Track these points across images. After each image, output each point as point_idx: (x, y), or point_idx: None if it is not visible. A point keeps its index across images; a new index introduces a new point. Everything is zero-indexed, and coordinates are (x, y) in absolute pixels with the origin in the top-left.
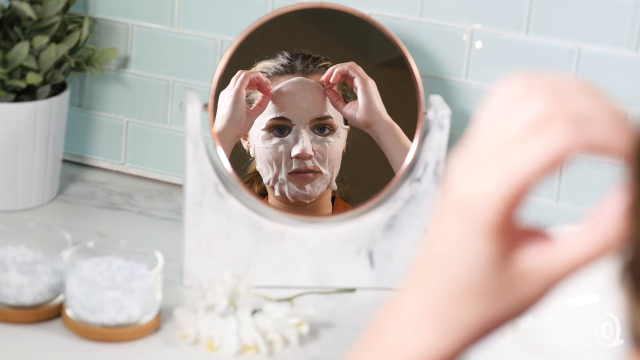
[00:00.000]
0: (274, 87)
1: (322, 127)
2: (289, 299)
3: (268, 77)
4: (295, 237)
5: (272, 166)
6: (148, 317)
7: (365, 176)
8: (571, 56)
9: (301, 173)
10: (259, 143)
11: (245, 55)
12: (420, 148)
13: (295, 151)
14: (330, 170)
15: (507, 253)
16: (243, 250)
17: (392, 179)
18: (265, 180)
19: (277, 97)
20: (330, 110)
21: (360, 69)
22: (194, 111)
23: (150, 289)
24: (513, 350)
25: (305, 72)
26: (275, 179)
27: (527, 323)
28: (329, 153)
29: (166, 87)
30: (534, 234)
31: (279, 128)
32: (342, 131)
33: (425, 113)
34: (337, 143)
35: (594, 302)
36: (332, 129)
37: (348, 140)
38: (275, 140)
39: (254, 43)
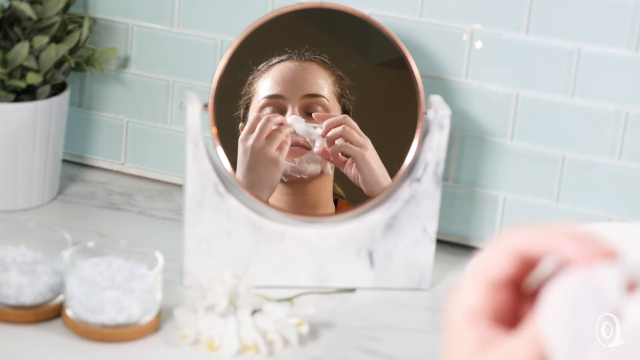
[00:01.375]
0: (271, 71)
1: (315, 109)
2: (289, 299)
3: (269, 67)
4: (295, 237)
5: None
6: (148, 317)
7: None
8: (571, 56)
9: (292, 146)
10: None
11: (245, 55)
12: (420, 148)
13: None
14: None
15: (487, 342)
16: (243, 250)
17: (392, 179)
18: None
19: (272, 79)
20: (325, 92)
21: (352, 142)
22: (194, 111)
23: (150, 289)
24: None
25: (301, 60)
26: None
27: None
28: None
29: (166, 87)
30: (514, 321)
31: (272, 111)
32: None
33: (425, 113)
34: None
35: None
36: (325, 111)
37: None
38: None
39: (254, 43)
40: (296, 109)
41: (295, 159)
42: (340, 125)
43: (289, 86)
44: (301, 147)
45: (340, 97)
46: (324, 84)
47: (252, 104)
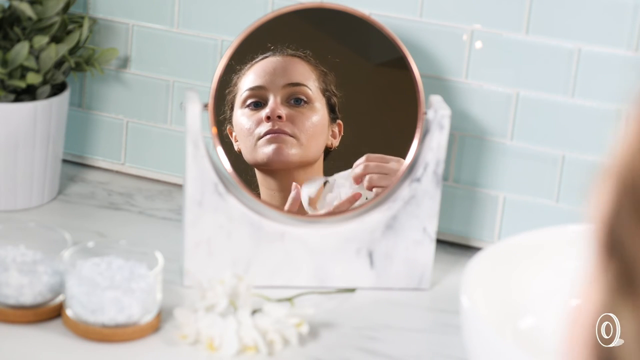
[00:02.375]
0: (254, 67)
1: (297, 99)
2: (289, 299)
3: (252, 65)
4: (295, 237)
5: (248, 136)
6: (148, 317)
7: None
8: (571, 56)
9: (273, 133)
10: (239, 125)
11: (245, 55)
12: (420, 148)
13: (265, 112)
14: (307, 142)
15: None
16: (243, 250)
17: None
18: (245, 155)
19: (254, 73)
20: (308, 82)
21: (378, 173)
22: (194, 111)
23: (150, 289)
24: (513, 350)
25: (283, 55)
26: (252, 147)
27: (527, 323)
28: (304, 124)
29: (166, 87)
30: None
31: (255, 102)
32: (321, 109)
33: (425, 113)
34: (316, 119)
35: None
36: (309, 102)
37: (346, 139)
38: (251, 113)
39: (254, 43)
40: (278, 98)
41: (277, 145)
42: (367, 174)
43: (270, 77)
44: (284, 133)
45: (324, 91)
46: (307, 76)
47: (236, 100)
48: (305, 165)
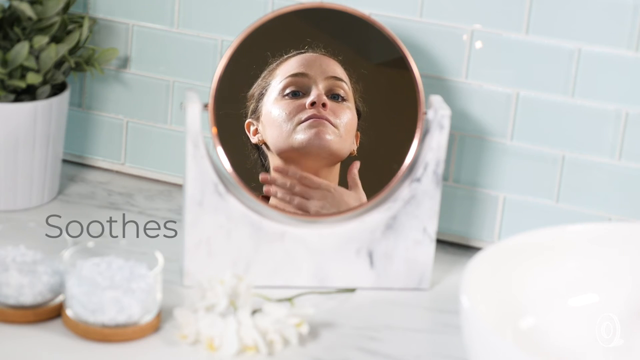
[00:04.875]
0: (290, 60)
1: (336, 94)
2: (289, 299)
3: (287, 58)
4: (295, 237)
5: (286, 121)
6: (148, 317)
7: (366, 176)
8: (571, 56)
9: (316, 118)
10: (272, 114)
11: (245, 55)
12: (420, 148)
13: (310, 98)
14: (345, 136)
15: None
16: (243, 250)
17: (392, 179)
18: (275, 143)
19: (294, 63)
20: (344, 78)
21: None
22: (194, 111)
23: (150, 289)
24: (513, 350)
25: (320, 53)
26: (289, 132)
27: (527, 323)
28: (344, 118)
29: (166, 87)
30: None
31: (294, 92)
32: (353, 110)
33: (425, 113)
34: (351, 116)
35: (594, 302)
36: (346, 99)
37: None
38: (289, 101)
39: (254, 43)
40: (320, 87)
41: (321, 129)
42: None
43: (313, 66)
44: (327, 120)
45: (354, 94)
46: (343, 76)
47: (269, 90)
48: (334, 161)
